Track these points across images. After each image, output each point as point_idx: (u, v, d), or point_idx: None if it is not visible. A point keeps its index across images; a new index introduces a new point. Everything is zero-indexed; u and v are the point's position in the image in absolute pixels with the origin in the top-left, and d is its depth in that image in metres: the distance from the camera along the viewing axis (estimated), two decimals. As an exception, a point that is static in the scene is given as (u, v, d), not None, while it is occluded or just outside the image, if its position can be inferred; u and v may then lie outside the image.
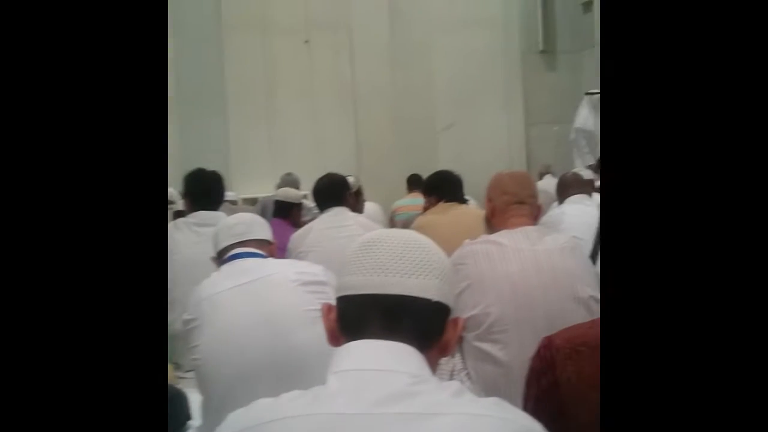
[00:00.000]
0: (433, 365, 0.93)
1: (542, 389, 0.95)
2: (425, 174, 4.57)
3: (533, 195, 2.13)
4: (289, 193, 4.11)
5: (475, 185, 4.26)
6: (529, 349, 1.82)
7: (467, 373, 1.92)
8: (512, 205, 2.08)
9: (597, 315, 1.84)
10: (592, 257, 2.83)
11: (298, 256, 2.92)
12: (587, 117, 7.06)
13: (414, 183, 5.74)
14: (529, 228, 2.02)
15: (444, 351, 0.97)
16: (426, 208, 3.52)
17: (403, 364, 0.86)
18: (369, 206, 4.77)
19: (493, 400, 0.87)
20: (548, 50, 7.90)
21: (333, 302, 0.98)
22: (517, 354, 1.84)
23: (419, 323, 0.91)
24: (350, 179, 3.59)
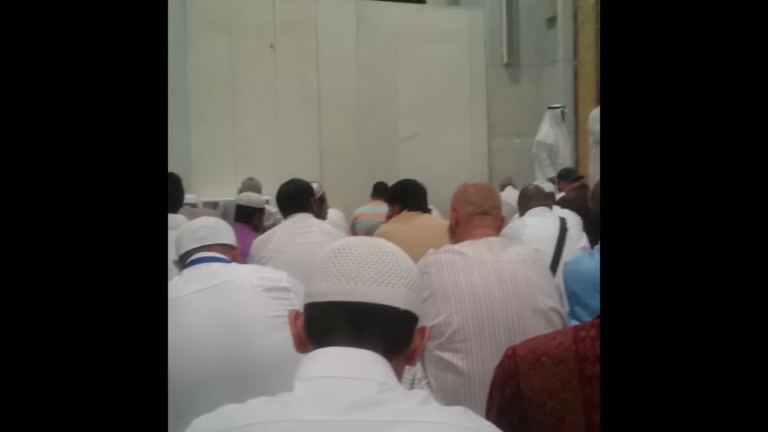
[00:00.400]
0: (399, 373, 0.94)
1: (505, 399, 0.96)
2: (388, 182, 4.58)
3: (497, 206, 2.16)
4: (251, 198, 4.08)
5: (437, 195, 4.29)
6: (490, 358, 1.87)
7: (428, 382, 1.93)
8: (476, 216, 2.11)
9: (557, 326, 1.89)
10: (552, 269, 2.88)
11: (260, 261, 2.90)
12: (548, 131, 7.16)
13: (379, 191, 5.76)
14: (492, 239, 2.05)
15: (410, 359, 0.97)
16: (389, 217, 3.53)
17: (370, 372, 0.87)
18: (331, 213, 4.77)
19: (458, 409, 0.87)
20: (512, 63, 8.00)
21: (297, 308, 0.98)
22: (477, 363, 1.86)
23: (387, 332, 0.92)
24: (314, 185, 3.58)
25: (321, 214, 3.83)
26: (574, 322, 2.00)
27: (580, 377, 0.91)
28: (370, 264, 0.93)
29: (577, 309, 2.02)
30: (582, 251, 3.16)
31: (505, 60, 7.96)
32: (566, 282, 2.06)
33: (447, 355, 1.89)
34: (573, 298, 2.04)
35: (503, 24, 7.89)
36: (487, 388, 1.79)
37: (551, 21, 7.83)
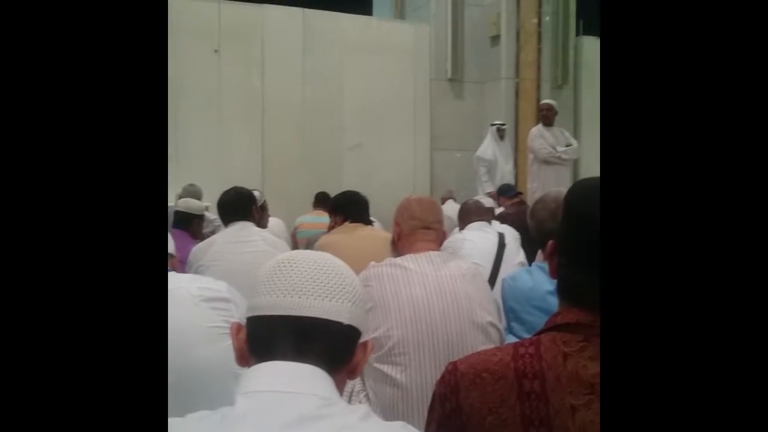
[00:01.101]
0: (341, 387, 0.95)
1: (445, 414, 0.97)
2: (331, 192, 4.58)
3: (439, 221, 2.18)
4: (190, 204, 4.01)
5: (378, 206, 4.31)
6: (428, 372, 1.89)
7: (366, 395, 1.94)
8: (418, 230, 2.13)
9: (495, 340, 1.93)
10: (490, 283, 2.93)
11: (199, 270, 2.86)
12: (487, 146, 7.29)
13: (320, 200, 5.75)
14: (434, 253, 2.07)
15: (352, 373, 0.98)
16: (331, 227, 3.53)
17: (312, 387, 0.87)
18: (272, 221, 4.73)
19: (398, 425, 0.89)
20: (456, 79, 8.11)
21: (237, 319, 0.97)
22: (416, 377, 1.88)
23: (330, 346, 0.92)
24: (255, 193, 3.55)
25: (262, 222, 3.80)
26: (511, 337, 2.04)
27: (518, 393, 0.93)
28: (315, 278, 0.93)
29: (515, 324, 2.05)
30: (519, 266, 3.22)
31: (449, 75, 8.06)
32: (504, 298, 2.10)
33: (386, 368, 1.90)
34: (511, 313, 2.08)
35: (448, 40, 8.00)
36: (426, 402, 1.81)
37: (495, 39, 7.98)
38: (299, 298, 0.91)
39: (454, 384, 0.97)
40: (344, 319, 0.93)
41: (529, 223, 2.15)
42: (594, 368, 0.92)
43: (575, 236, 0.98)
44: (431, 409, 1.02)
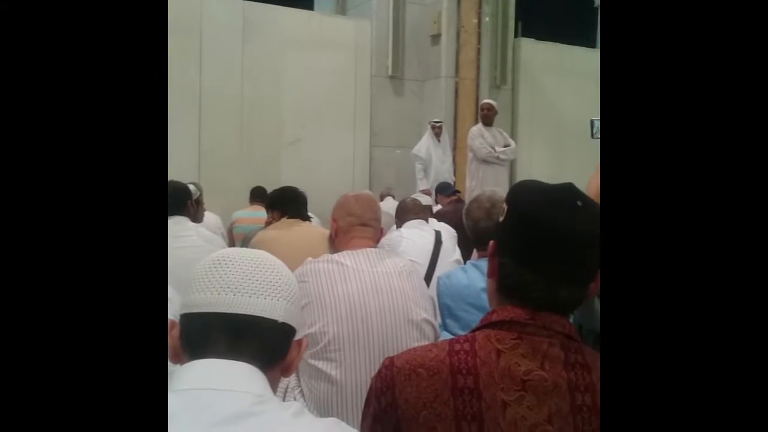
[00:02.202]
0: (275, 385, 0.95)
1: (381, 408, 0.98)
2: (269, 187, 4.54)
3: (377, 218, 2.20)
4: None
5: (317, 202, 4.30)
6: (363, 368, 1.90)
7: (300, 391, 1.94)
8: (356, 226, 2.14)
9: (429, 337, 1.95)
10: (426, 280, 2.96)
11: (132, 265, 2.79)
12: (423, 144, 7.34)
13: (257, 195, 5.69)
14: (371, 250, 2.08)
15: (287, 371, 0.98)
16: (269, 223, 3.50)
17: (245, 385, 0.87)
18: (208, 216, 4.66)
19: (332, 421, 0.89)
20: (396, 76, 8.14)
21: (170, 316, 0.96)
22: (350, 373, 1.89)
23: (264, 344, 0.92)
24: (191, 187, 3.49)
25: (197, 217, 3.74)
26: (445, 334, 2.07)
27: (452, 389, 0.95)
28: (250, 276, 0.93)
29: (449, 321, 2.09)
30: (456, 264, 3.27)
31: (390, 72, 8.09)
32: (439, 295, 2.13)
33: (321, 364, 1.90)
34: (445, 310, 2.11)
35: (389, 37, 8.02)
36: (360, 398, 1.82)
37: (435, 38, 8.04)
38: (234, 295, 0.91)
39: (390, 379, 0.98)
40: (279, 316, 0.93)
41: (464, 221, 2.19)
42: (526, 365, 0.95)
43: (524, 238, 1.00)
44: (367, 403, 1.03)
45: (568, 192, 1.03)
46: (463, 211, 2.23)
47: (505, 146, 6.82)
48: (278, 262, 0.99)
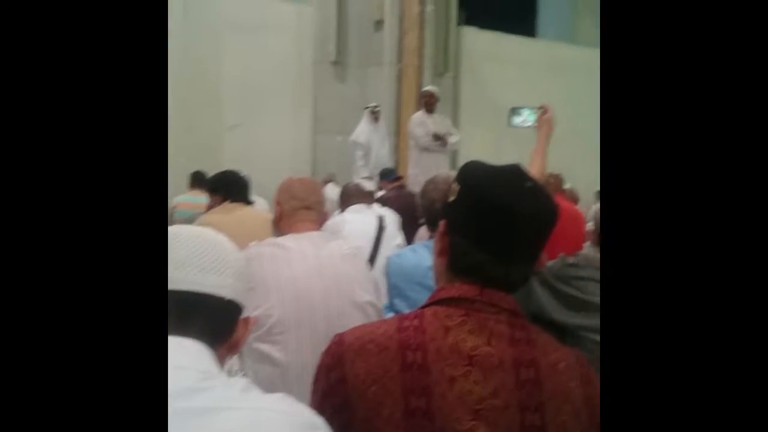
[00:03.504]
0: (222, 362, 0.94)
1: (330, 384, 0.99)
2: (210, 172, 4.48)
3: (320, 202, 2.20)
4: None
5: (259, 187, 4.26)
6: (308, 350, 1.90)
7: (244, 374, 1.93)
8: (300, 210, 2.13)
9: (372, 319, 1.96)
10: (370, 263, 2.98)
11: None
12: (362, 130, 7.32)
13: (197, 180, 5.60)
14: (315, 233, 2.08)
15: (233, 348, 0.98)
16: (210, 207, 3.46)
17: (192, 361, 0.86)
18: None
19: (278, 396, 0.89)
20: (339, 62, 8.11)
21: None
22: (295, 355, 1.89)
23: (211, 320, 0.92)
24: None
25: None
26: (390, 314, 2.09)
27: (401, 364, 0.96)
28: (197, 252, 0.92)
29: (397, 301, 2.11)
30: (398, 249, 3.30)
31: (333, 58, 8.06)
32: (389, 275, 2.15)
33: (265, 347, 1.89)
34: (394, 290, 2.13)
35: (332, 22, 7.98)
36: (304, 380, 1.82)
37: (379, 24, 8.04)
38: (180, 272, 0.90)
39: (340, 355, 0.99)
40: (226, 293, 0.93)
41: (419, 202, 2.21)
42: (472, 341, 0.98)
43: (476, 217, 1.02)
44: (316, 379, 1.04)
45: (517, 173, 1.05)
46: (420, 192, 2.25)
47: (447, 134, 6.85)
48: (224, 239, 0.99)
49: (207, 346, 0.90)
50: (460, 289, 1.02)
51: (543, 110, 2.30)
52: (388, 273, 2.17)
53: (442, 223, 1.07)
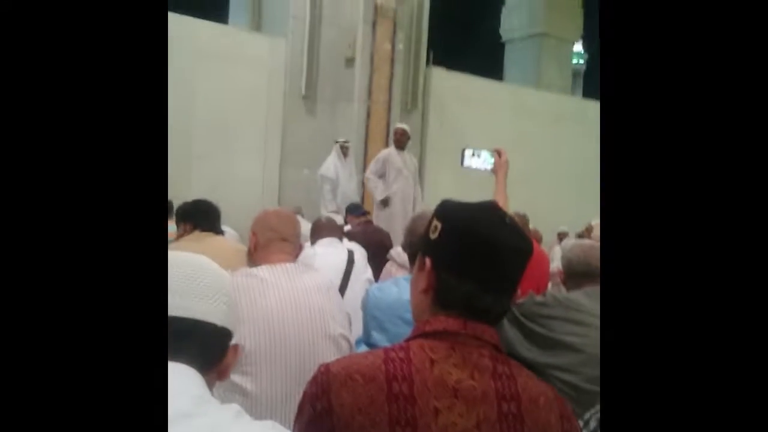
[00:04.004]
0: (211, 388, 0.96)
1: (316, 413, 1.00)
2: (177, 201, 4.44)
3: (296, 234, 2.21)
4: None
5: (226, 218, 4.24)
6: (279, 382, 1.90)
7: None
8: (275, 241, 2.14)
9: (345, 352, 1.97)
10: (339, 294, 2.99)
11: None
12: (330, 164, 7.35)
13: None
14: (290, 265, 2.09)
15: (222, 375, 0.99)
16: (180, 236, 3.43)
17: (185, 386, 0.87)
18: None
19: (269, 423, 0.91)
20: (309, 96, 8.16)
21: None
22: (266, 386, 1.88)
23: (203, 347, 0.93)
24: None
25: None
26: (363, 348, 2.10)
27: (387, 395, 0.98)
28: (192, 279, 0.94)
29: (376, 334, 2.12)
30: (367, 282, 3.32)
31: (303, 92, 8.11)
32: (369, 307, 2.17)
33: (236, 378, 1.89)
34: (373, 322, 2.14)
35: (304, 57, 8.05)
36: (274, 411, 1.82)
37: (350, 61, 8.13)
38: (174, 298, 0.91)
39: (326, 384, 1.00)
40: (218, 320, 0.95)
41: (407, 238, 2.24)
42: (457, 374, 1.01)
43: (464, 252, 1.06)
44: (301, 409, 1.05)
45: (495, 208, 1.12)
46: (407, 228, 2.29)
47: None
48: (216, 266, 1.01)
49: (198, 372, 0.91)
50: (445, 322, 1.05)
51: (498, 153, 2.36)
52: (368, 306, 2.18)
53: (428, 260, 1.10)
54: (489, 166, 2.35)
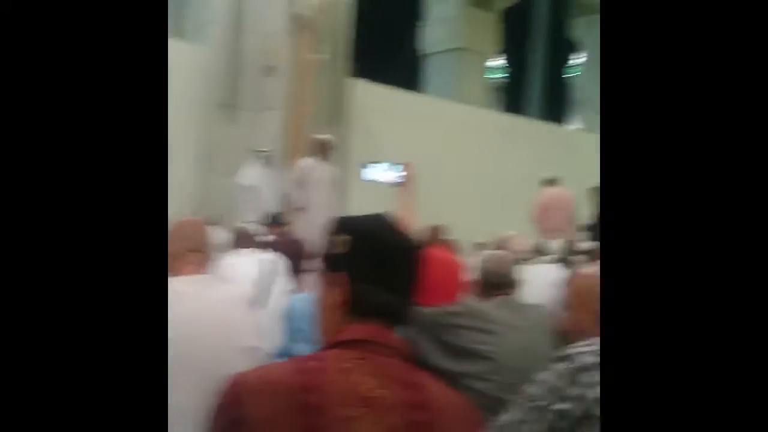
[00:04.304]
0: None
1: (227, 424, 0.98)
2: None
3: (207, 243, 2.18)
4: None
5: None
6: (191, 394, 1.85)
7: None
8: (187, 252, 2.10)
9: (259, 364, 1.94)
10: (257, 308, 2.95)
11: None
12: (249, 174, 7.25)
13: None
14: (203, 276, 2.06)
15: None
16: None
17: None
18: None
19: None
20: (231, 105, 8.03)
21: None
22: (180, 398, 1.82)
23: None
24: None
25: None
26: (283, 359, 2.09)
27: (299, 405, 0.97)
28: None
29: (300, 345, 2.11)
30: (288, 293, 3.30)
31: (224, 100, 7.98)
32: (292, 318, 2.16)
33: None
34: (298, 333, 2.13)
35: (225, 64, 7.93)
36: (184, 422, 1.78)
37: (271, 70, 8.06)
38: None
39: (238, 395, 0.99)
40: None
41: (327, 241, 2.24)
42: (369, 383, 1.01)
43: (375, 261, 1.09)
44: (214, 419, 1.02)
45: (386, 216, 1.17)
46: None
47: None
48: None
49: None
50: (361, 330, 1.06)
51: (407, 167, 2.40)
52: (291, 317, 2.17)
53: (341, 276, 1.10)
54: (394, 178, 2.38)
